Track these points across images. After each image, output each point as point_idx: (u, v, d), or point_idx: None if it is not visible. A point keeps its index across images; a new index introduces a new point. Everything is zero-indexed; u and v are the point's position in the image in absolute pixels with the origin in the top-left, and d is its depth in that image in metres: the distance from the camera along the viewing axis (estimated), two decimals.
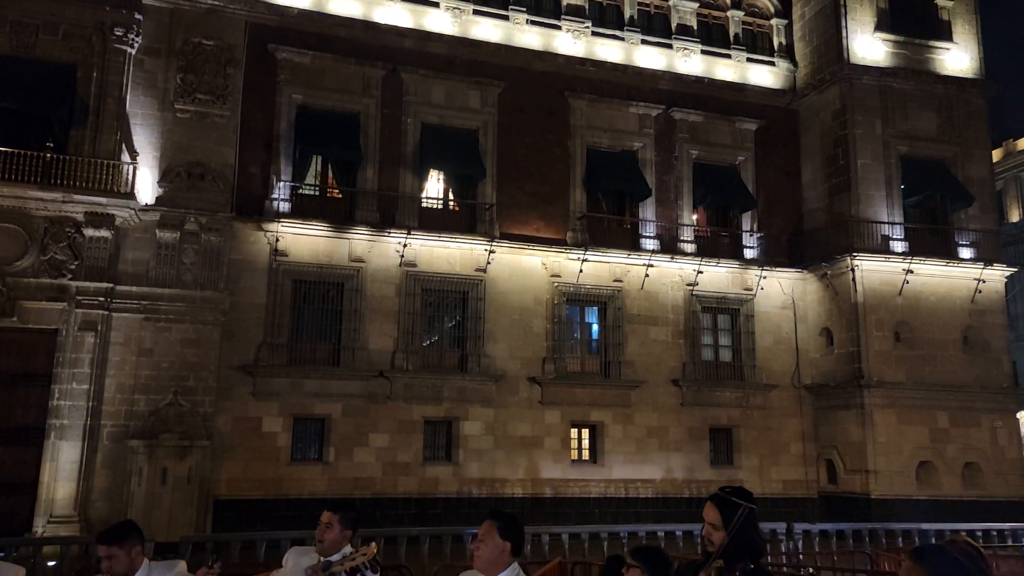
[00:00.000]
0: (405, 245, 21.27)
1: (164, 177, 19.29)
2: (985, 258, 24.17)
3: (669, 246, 23.86)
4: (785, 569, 9.74)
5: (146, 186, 19.13)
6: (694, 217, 24.88)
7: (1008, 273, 24.97)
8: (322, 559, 4.14)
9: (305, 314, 20.76)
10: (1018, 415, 25.40)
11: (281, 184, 20.76)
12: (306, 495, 19.08)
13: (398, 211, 21.73)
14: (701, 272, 23.75)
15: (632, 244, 23.69)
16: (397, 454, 20.62)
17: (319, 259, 20.72)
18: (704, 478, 22.63)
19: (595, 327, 23.77)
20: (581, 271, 22.76)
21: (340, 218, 21.18)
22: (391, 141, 22.05)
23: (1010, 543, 15.90)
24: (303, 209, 20.94)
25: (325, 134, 21.15)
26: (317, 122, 21.15)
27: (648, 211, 24.04)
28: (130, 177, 18.53)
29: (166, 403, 18.11)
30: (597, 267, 23.00)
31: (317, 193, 21.97)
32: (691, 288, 23.76)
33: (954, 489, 22.57)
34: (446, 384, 21.34)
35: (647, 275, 23.33)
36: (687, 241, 24.17)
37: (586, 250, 22.67)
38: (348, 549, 4.17)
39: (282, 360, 20.09)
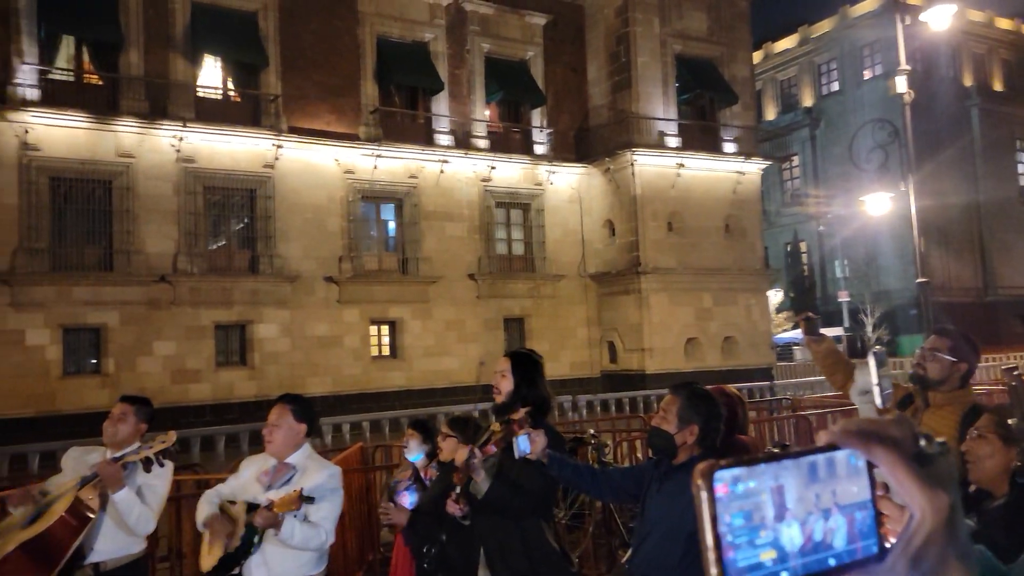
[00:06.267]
0: (181, 139, 19.63)
1: None
2: (745, 153, 26.63)
3: (463, 141, 23.96)
4: (570, 434, 10.69)
5: None
6: (486, 112, 25.06)
7: (763, 166, 27.78)
8: (110, 454, 3.88)
9: (68, 215, 18.76)
10: (768, 293, 28.88)
11: (26, 67, 18.19)
12: (84, 409, 17.71)
13: (170, 101, 19.89)
14: (494, 168, 24.17)
15: (426, 139, 23.50)
16: (186, 361, 19.66)
17: (80, 154, 18.63)
18: None
19: (391, 224, 23.64)
20: (375, 167, 22.33)
21: (102, 107, 19.04)
22: (157, 21, 19.91)
23: (757, 398, 18.46)
24: (56, 97, 18.56)
25: (76, 9, 18.62)
26: None
27: (441, 106, 23.86)
28: None
29: None
30: (392, 163, 22.66)
31: (72, 79, 19.53)
32: (485, 184, 24.16)
33: (715, 360, 25.45)
34: (236, 287, 20.44)
35: (442, 171, 23.37)
36: (480, 137, 24.38)
37: (380, 145, 22.20)
38: (138, 444, 3.96)
39: (44, 267, 18.15)
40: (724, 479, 0.59)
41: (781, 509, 0.60)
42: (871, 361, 2.46)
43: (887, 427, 0.66)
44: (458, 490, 3.42)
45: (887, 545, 0.65)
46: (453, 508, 3.43)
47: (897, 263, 36.02)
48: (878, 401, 2.42)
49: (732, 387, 4.48)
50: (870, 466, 0.66)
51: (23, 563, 3.48)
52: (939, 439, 0.66)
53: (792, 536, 0.60)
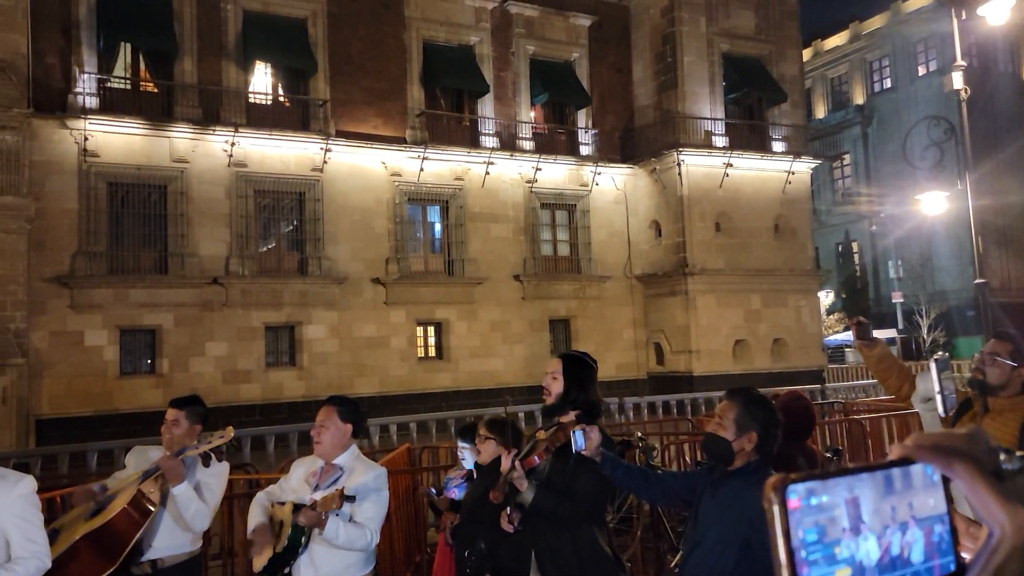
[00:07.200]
0: (233, 144, 20.05)
1: None
2: (795, 152, 26.15)
3: (508, 143, 24.01)
4: (617, 436, 10.59)
5: None
6: (532, 114, 25.08)
7: (814, 165, 27.26)
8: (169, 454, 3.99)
9: (125, 220, 19.31)
10: (818, 294, 28.30)
11: (86, 76, 18.79)
12: (139, 409, 18.24)
13: (223, 107, 20.34)
14: (540, 169, 24.16)
15: (472, 141, 23.62)
16: (237, 361, 20.07)
17: (136, 159, 19.17)
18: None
19: (437, 226, 23.80)
20: (422, 170, 22.51)
21: (157, 114, 19.57)
22: (210, 29, 20.38)
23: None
24: (114, 104, 19.14)
25: (133, 20, 19.17)
26: (123, 6, 19.09)
27: (487, 108, 23.95)
28: None
29: None
30: (438, 165, 22.82)
31: (129, 87, 20.11)
32: (530, 185, 24.18)
33: (764, 363, 25.04)
34: (286, 288, 20.80)
35: (487, 173, 23.45)
36: (526, 138, 24.41)
37: (426, 148, 22.38)
38: (196, 443, 4.05)
39: (102, 270, 18.72)
40: (798, 492, 0.57)
41: (856, 522, 0.58)
42: (932, 368, 2.39)
43: (964, 441, 0.64)
44: (508, 510, 3.39)
45: (964, 562, 0.63)
46: (507, 526, 3.42)
47: (954, 263, 34.99)
48: (940, 410, 2.35)
49: (795, 390, 4.45)
50: (945, 479, 0.64)
51: (87, 555, 3.59)
52: (1019, 453, 0.64)
53: (869, 550, 0.59)
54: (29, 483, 3.05)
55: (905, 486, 0.61)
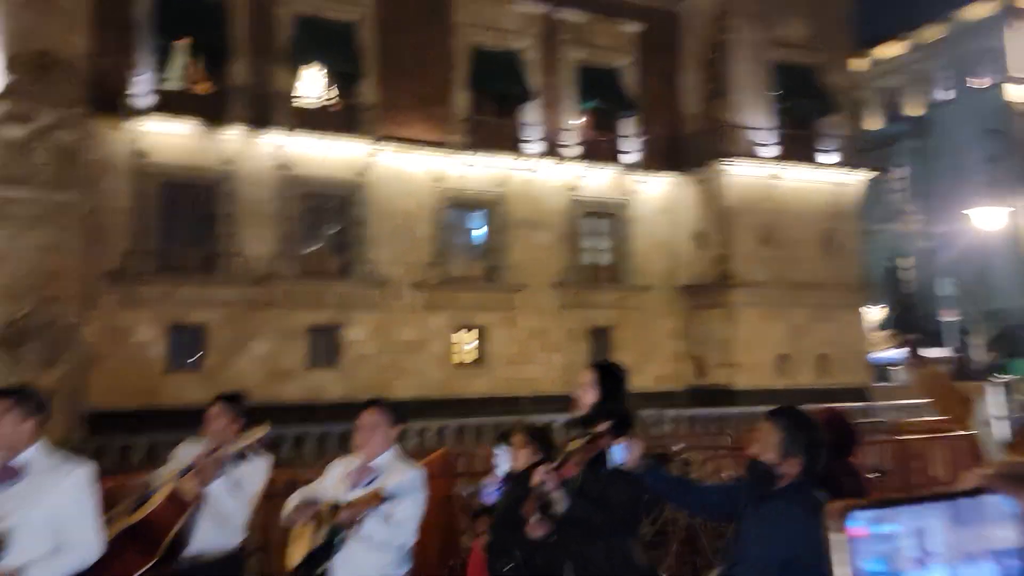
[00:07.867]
0: (281, 147, 20.36)
1: (8, 67, 17.45)
2: (846, 164, 25.63)
3: (552, 150, 23.97)
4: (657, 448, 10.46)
5: None
6: (577, 121, 25.00)
7: (864, 178, 26.67)
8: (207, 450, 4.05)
9: (175, 219, 19.73)
10: (867, 310, 27.67)
11: (140, 79, 19.27)
12: (183, 404, 18.53)
13: (272, 109, 20.69)
14: (583, 176, 24.08)
15: (516, 148, 23.63)
16: (280, 361, 20.34)
17: (187, 160, 19.59)
18: None
19: (479, 232, 23.85)
20: (465, 175, 22.60)
21: (209, 116, 19.97)
22: (262, 33, 20.76)
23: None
24: (168, 105, 19.59)
25: (189, 22, 19.64)
26: (178, 9, 19.56)
27: (532, 114, 23.96)
28: None
29: (24, 313, 16.96)
30: (481, 171, 22.89)
31: (182, 88, 20.57)
32: (573, 192, 24.10)
33: (808, 379, 24.52)
34: (329, 290, 21.03)
35: (531, 179, 23.44)
36: (570, 145, 24.35)
37: (471, 153, 22.46)
38: (235, 438, 4.10)
39: (152, 267, 19.15)
40: (863, 520, 0.53)
41: (924, 554, 0.54)
42: (991, 390, 2.29)
43: None
44: (537, 516, 3.37)
45: None
46: (534, 531, 3.40)
47: (1011, 281, 33.90)
48: (1006, 433, 2.25)
49: (832, 407, 4.33)
50: None
51: (127, 548, 3.65)
52: None
53: None
54: (86, 471, 3.06)
55: (977, 517, 0.56)
